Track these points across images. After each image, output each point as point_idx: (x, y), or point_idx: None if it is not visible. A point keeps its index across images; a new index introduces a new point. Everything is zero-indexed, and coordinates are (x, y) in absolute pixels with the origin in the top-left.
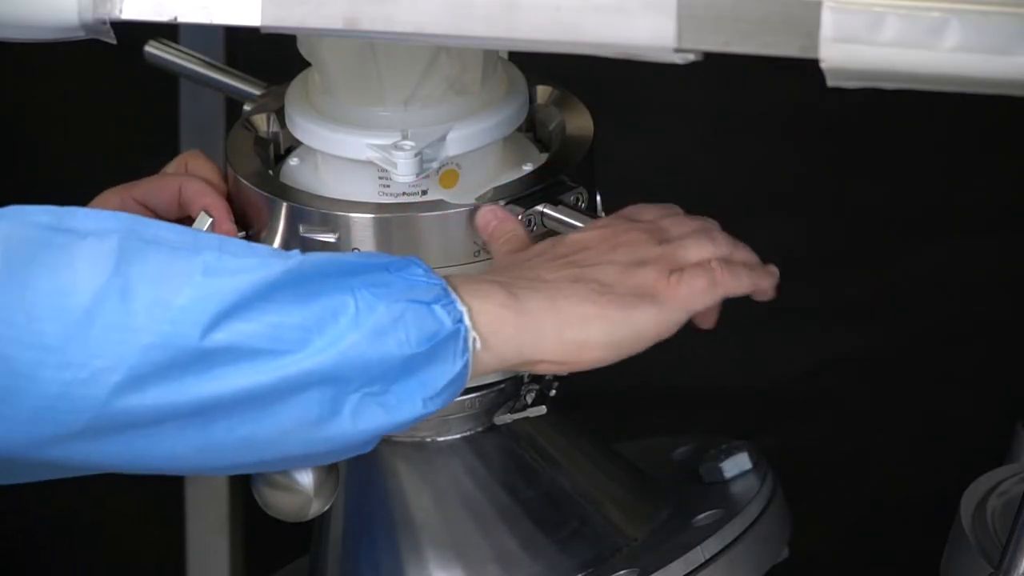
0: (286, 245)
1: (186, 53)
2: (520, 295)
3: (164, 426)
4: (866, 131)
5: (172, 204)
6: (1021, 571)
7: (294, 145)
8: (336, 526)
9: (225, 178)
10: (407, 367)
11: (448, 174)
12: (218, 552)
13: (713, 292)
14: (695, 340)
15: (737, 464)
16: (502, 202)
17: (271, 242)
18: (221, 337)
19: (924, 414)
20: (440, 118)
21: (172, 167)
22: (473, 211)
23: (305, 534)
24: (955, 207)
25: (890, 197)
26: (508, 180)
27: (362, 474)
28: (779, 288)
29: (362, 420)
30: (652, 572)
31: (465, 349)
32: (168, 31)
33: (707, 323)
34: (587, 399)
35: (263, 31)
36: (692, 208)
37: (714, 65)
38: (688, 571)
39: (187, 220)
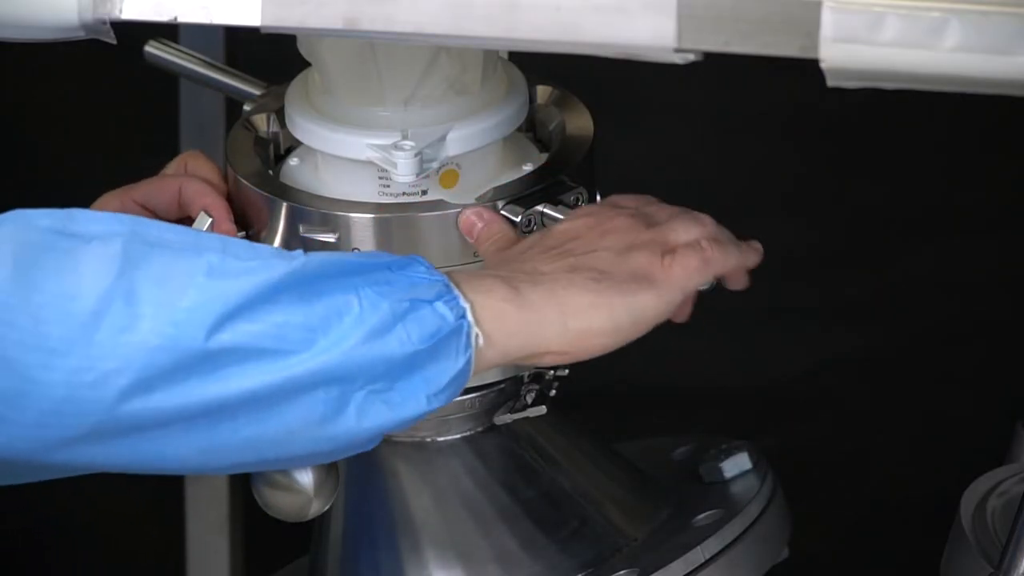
0: (286, 245)
1: (186, 53)
2: (521, 288)
3: (170, 428)
4: (866, 131)
5: (172, 205)
6: (1021, 571)
7: (294, 145)
8: (336, 526)
9: (225, 178)
10: (411, 364)
11: (448, 174)
12: (218, 552)
13: (706, 270)
14: (695, 340)
15: (737, 464)
16: (501, 203)
17: (271, 242)
18: (226, 338)
19: (924, 414)
20: (440, 118)
21: (172, 168)
22: None
23: (305, 534)
24: (955, 207)
25: (890, 197)
26: (508, 180)
27: (362, 474)
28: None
29: (367, 418)
30: (652, 572)
31: (468, 345)
32: (168, 31)
33: (681, 317)
34: (587, 399)
35: (263, 31)
36: (692, 208)
37: (714, 65)
38: (688, 571)
39: (187, 221)
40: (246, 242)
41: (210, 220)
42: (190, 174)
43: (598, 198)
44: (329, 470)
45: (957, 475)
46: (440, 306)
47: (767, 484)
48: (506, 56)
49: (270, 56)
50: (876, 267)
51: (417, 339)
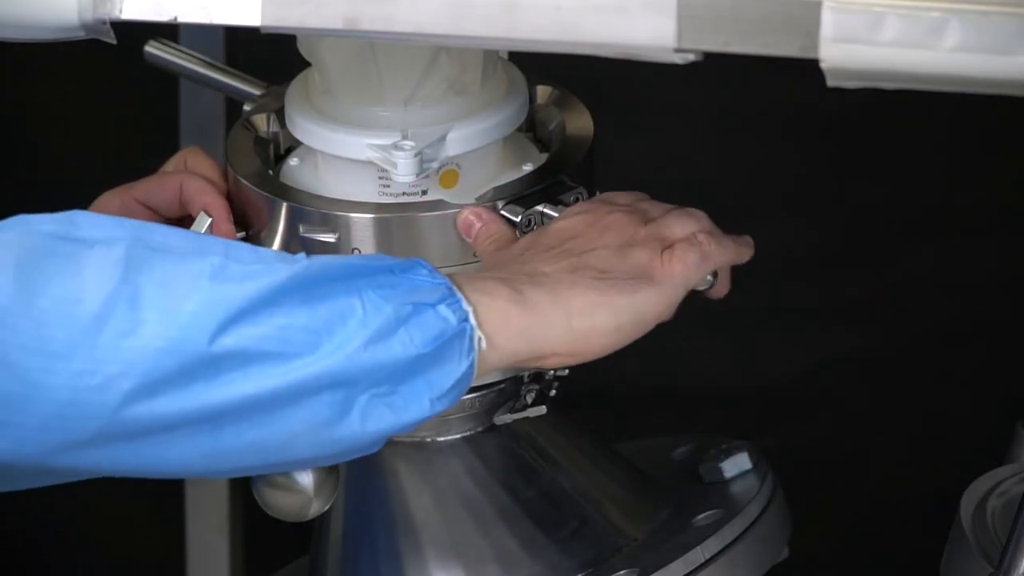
0: (286, 245)
1: (186, 53)
2: (524, 290)
3: (174, 432)
4: (866, 131)
5: (173, 202)
6: (1021, 571)
7: (294, 145)
8: (336, 526)
9: (225, 175)
10: (414, 368)
11: (448, 174)
12: (218, 552)
13: (705, 264)
14: (695, 340)
15: (737, 464)
16: (501, 203)
17: (271, 242)
18: (230, 342)
19: (924, 414)
20: (440, 118)
21: (171, 165)
22: None
23: (305, 534)
24: (955, 207)
25: (890, 197)
26: (508, 180)
27: (362, 474)
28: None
29: (370, 422)
30: (652, 572)
31: (471, 348)
32: (168, 31)
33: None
34: (587, 399)
35: (263, 31)
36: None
37: (714, 65)
38: (688, 571)
39: (188, 218)
40: (249, 245)
41: (209, 220)
42: (190, 171)
43: None
44: (329, 470)
45: (957, 475)
46: (443, 309)
47: (767, 484)
48: (506, 56)
49: (270, 56)
50: (876, 267)
51: (420, 343)
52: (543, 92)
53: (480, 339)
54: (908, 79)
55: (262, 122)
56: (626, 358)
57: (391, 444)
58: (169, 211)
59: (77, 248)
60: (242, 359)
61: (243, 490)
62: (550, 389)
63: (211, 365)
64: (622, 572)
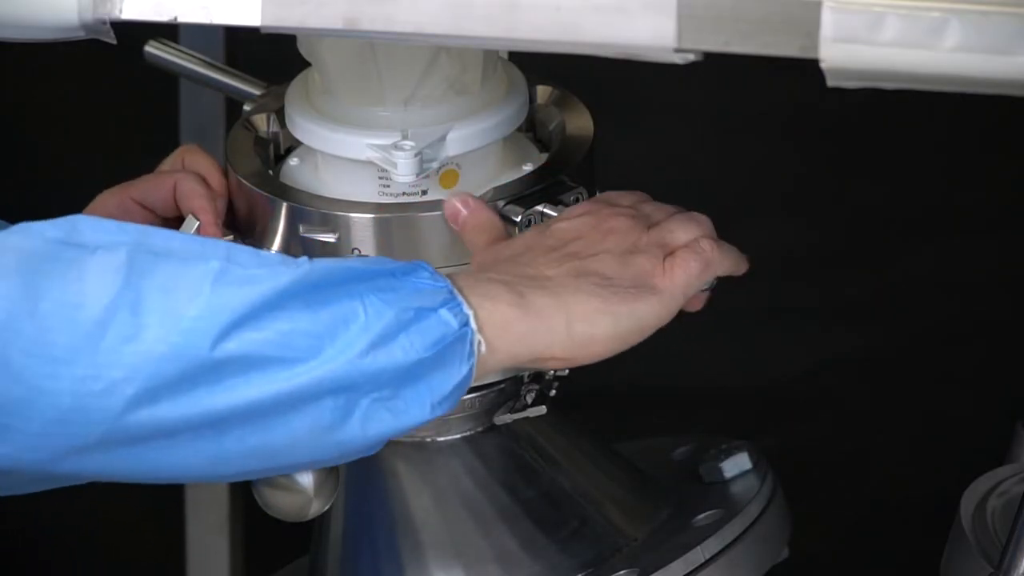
0: (286, 245)
1: (186, 53)
2: (526, 294)
3: (176, 438)
4: (866, 131)
5: (169, 201)
6: (1021, 571)
7: (294, 145)
8: (336, 526)
9: (224, 172)
10: (415, 372)
11: (448, 174)
12: (218, 553)
13: (708, 271)
14: (695, 340)
15: (737, 464)
16: (502, 203)
17: (271, 242)
18: (232, 347)
19: (924, 414)
20: (440, 118)
21: (168, 163)
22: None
23: (305, 534)
24: (955, 207)
25: (890, 197)
26: (508, 180)
27: (362, 474)
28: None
29: (371, 425)
30: (652, 572)
31: (471, 353)
32: (168, 31)
33: (695, 306)
34: (587, 399)
35: (263, 31)
36: (692, 208)
37: (714, 65)
38: (688, 571)
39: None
40: (250, 249)
41: (197, 223)
42: (187, 169)
43: None
44: (329, 470)
45: (957, 475)
46: (444, 313)
47: (767, 484)
48: (506, 56)
49: (270, 56)
50: (876, 267)
51: (421, 347)
52: (543, 92)
53: (480, 343)
54: (908, 79)
55: (262, 122)
56: (626, 358)
57: (391, 444)
58: (166, 210)
59: (79, 253)
60: (244, 364)
61: (243, 491)
62: (550, 389)
63: (213, 370)
64: (622, 572)
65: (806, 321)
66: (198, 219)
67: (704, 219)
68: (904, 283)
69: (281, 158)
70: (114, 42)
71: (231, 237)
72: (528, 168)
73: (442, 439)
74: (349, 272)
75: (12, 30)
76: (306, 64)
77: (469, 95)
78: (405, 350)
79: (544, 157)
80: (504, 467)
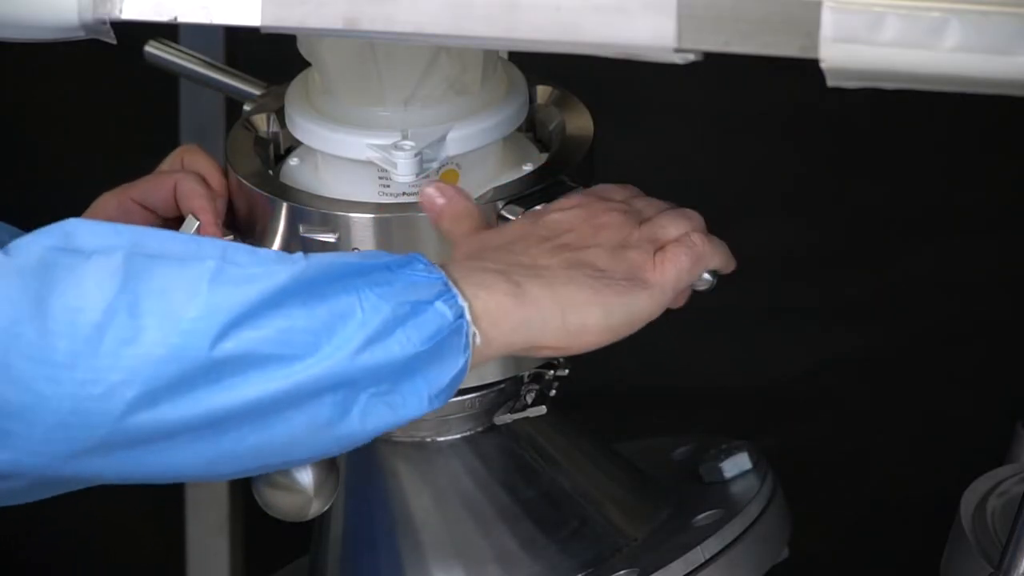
0: (286, 245)
1: (186, 53)
2: (522, 283)
3: (177, 439)
4: (866, 131)
5: (169, 202)
6: (1021, 571)
7: (294, 145)
8: (336, 526)
9: (223, 172)
10: (412, 366)
11: (448, 174)
12: (218, 553)
13: (698, 265)
14: (695, 340)
15: (737, 464)
16: (501, 203)
17: (271, 242)
18: (231, 346)
19: (924, 414)
20: (440, 118)
21: (167, 163)
22: None
23: (305, 534)
24: (955, 207)
25: (890, 197)
26: (508, 180)
27: (362, 474)
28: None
29: (370, 420)
30: (652, 572)
31: (467, 344)
32: (168, 31)
33: (678, 303)
34: (587, 399)
35: (263, 31)
36: (692, 208)
37: (714, 65)
38: (688, 571)
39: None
40: (247, 247)
41: (197, 223)
42: (187, 169)
43: None
44: (329, 470)
45: (957, 475)
46: (440, 305)
47: (767, 484)
48: (506, 56)
49: (270, 56)
50: (876, 267)
51: (418, 341)
52: (543, 92)
53: (475, 334)
54: (908, 79)
55: (262, 122)
56: (626, 358)
57: (391, 444)
58: (166, 211)
59: (76, 259)
60: (243, 363)
61: (243, 491)
62: (550, 389)
63: (212, 370)
64: (622, 572)
65: (806, 321)
66: (198, 219)
67: (694, 214)
68: (904, 283)
69: (281, 158)
70: (114, 42)
71: (231, 237)
72: (528, 168)
73: (442, 439)
74: (345, 267)
75: (12, 30)
76: (306, 64)
77: (469, 95)
78: (402, 344)
79: (544, 157)
80: (504, 467)
